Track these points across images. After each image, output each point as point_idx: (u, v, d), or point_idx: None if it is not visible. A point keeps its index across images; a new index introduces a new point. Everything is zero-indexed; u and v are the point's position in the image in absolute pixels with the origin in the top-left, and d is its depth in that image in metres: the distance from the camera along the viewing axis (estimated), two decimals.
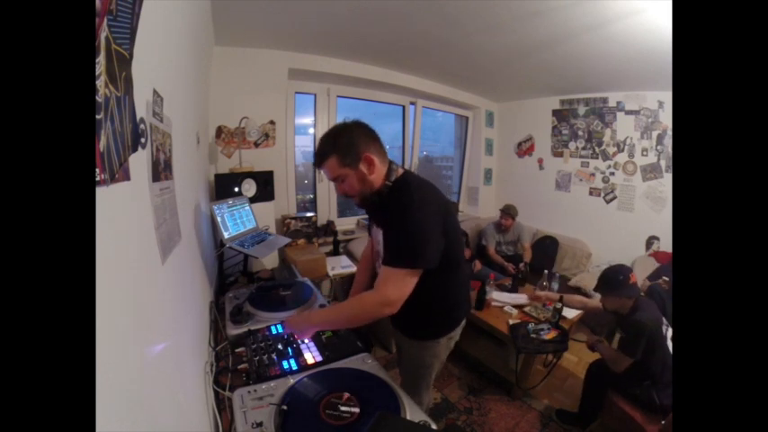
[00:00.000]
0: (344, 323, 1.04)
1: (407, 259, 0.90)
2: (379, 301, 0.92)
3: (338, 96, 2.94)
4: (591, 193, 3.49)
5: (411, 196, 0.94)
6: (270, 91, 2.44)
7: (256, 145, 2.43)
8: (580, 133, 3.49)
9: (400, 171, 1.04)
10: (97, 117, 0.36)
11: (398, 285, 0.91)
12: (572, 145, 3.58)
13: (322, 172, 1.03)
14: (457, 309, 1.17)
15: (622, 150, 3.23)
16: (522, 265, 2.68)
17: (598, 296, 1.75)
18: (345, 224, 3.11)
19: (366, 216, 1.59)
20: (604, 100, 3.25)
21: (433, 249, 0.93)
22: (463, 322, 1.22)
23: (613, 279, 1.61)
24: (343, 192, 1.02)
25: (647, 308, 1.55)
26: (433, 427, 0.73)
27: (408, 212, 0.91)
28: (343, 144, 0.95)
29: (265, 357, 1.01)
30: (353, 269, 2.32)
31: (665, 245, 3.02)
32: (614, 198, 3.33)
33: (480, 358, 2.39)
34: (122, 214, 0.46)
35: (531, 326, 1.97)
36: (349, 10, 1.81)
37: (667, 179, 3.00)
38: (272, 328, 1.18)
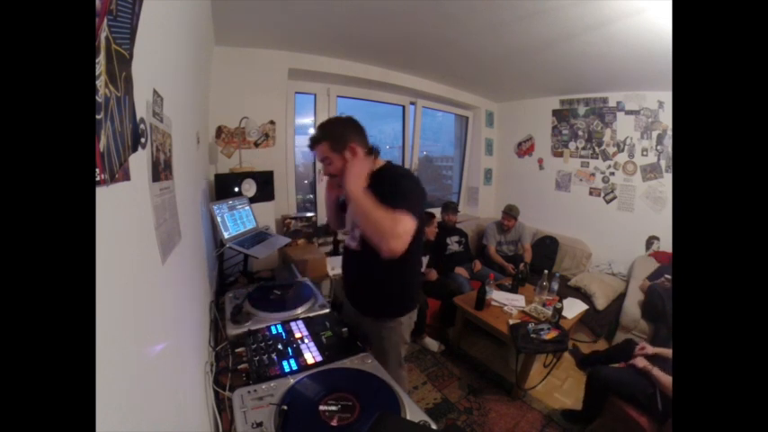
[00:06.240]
0: (367, 220, 1.02)
1: (414, 207, 1.04)
2: (395, 225, 0.98)
3: (338, 96, 2.94)
4: (591, 193, 3.49)
5: (404, 172, 1.22)
6: (270, 91, 2.44)
7: (256, 145, 2.43)
8: (580, 133, 3.49)
9: (381, 162, 1.21)
10: (97, 117, 0.36)
11: (408, 223, 1.01)
12: (572, 145, 3.58)
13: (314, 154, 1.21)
14: (414, 288, 1.34)
15: (622, 150, 3.23)
16: (522, 265, 2.68)
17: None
18: None
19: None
20: (604, 100, 3.25)
21: (420, 211, 1.11)
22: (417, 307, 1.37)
23: None
24: (328, 172, 1.18)
25: None
26: (433, 426, 0.73)
27: (407, 180, 1.13)
28: (335, 133, 1.13)
29: (265, 357, 1.01)
30: None
31: (665, 245, 3.02)
32: (614, 198, 3.33)
33: (480, 358, 2.39)
34: (122, 214, 0.46)
35: (531, 326, 1.97)
36: (349, 10, 1.81)
37: (667, 179, 3.00)
38: (272, 328, 1.18)
